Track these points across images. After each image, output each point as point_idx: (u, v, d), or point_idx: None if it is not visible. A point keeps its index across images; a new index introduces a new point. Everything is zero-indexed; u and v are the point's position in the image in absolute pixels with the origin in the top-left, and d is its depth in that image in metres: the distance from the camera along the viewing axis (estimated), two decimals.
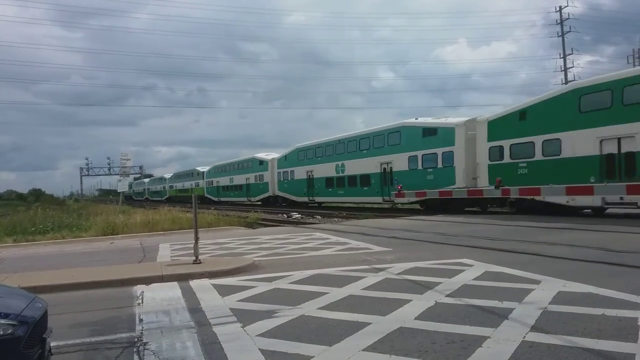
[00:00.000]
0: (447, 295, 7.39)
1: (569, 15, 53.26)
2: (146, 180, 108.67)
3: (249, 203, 55.31)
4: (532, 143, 22.89)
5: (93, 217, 29.38)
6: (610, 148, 19.77)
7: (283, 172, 48.28)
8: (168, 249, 15.19)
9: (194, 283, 9.46)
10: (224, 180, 63.98)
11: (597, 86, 20.60)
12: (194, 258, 11.19)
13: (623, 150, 19.38)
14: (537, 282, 8.03)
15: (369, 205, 37.42)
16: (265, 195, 52.34)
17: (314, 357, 5.06)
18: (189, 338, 5.99)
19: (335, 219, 28.41)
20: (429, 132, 29.59)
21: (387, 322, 6.13)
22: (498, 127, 24.99)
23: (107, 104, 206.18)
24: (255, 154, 56.67)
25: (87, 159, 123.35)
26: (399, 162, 31.80)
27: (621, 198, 18.83)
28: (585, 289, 7.34)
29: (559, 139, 21.70)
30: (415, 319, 6.22)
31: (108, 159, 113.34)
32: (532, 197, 22.12)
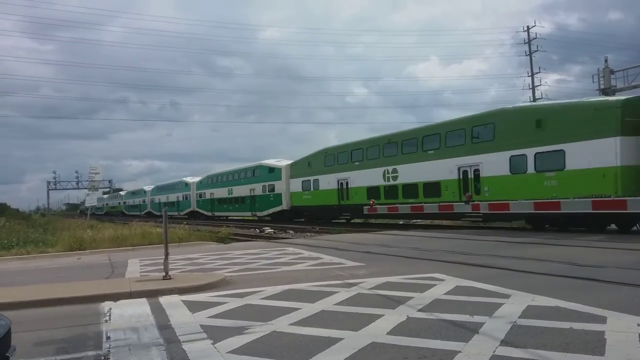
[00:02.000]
0: (419, 310, 7.42)
1: (536, 35, 54.58)
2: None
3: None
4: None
5: (60, 232, 28.71)
6: None
7: None
8: (137, 265, 14.90)
9: (163, 299, 9.28)
10: (132, 201, 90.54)
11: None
12: (164, 274, 11.00)
13: None
14: (507, 296, 8.13)
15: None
16: None
17: None
18: (157, 355, 5.86)
19: (308, 234, 28.33)
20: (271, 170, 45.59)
21: (359, 337, 6.11)
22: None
23: (77, 117, 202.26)
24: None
25: (54, 172, 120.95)
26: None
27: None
28: (554, 303, 7.47)
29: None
30: (387, 334, 6.22)
31: (76, 172, 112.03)
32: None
